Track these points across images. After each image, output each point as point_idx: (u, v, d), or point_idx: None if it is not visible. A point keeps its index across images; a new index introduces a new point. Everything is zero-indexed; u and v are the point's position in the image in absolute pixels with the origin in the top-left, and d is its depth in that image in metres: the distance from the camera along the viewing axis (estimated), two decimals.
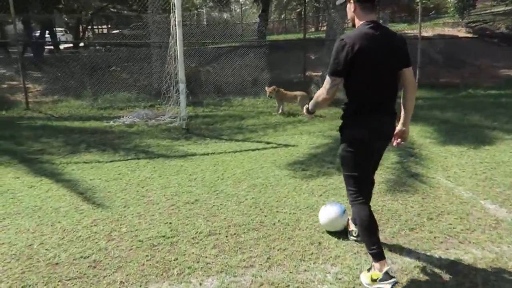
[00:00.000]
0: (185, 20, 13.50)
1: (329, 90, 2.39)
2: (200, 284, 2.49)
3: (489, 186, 3.98)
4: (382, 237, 3.01)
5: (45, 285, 2.49)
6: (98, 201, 3.76)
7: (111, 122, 7.19)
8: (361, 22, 2.41)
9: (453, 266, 2.66)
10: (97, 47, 16.14)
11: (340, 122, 2.56)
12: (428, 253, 2.80)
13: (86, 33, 20.49)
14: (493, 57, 12.84)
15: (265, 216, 3.40)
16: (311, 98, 2.73)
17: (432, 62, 12.05)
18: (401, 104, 2.56)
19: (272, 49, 11.68)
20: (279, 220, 3.31)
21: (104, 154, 5.35)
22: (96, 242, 2.99)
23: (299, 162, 4.85)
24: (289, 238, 3.03)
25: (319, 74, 10.03)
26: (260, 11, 16.87)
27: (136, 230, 3.18)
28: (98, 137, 6.24)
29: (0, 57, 14.63)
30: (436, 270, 2.60)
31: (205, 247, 2.91)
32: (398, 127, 2.58)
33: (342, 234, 3.05)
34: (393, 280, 2.32)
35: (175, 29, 6.48)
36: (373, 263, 2.43)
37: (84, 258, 2.78)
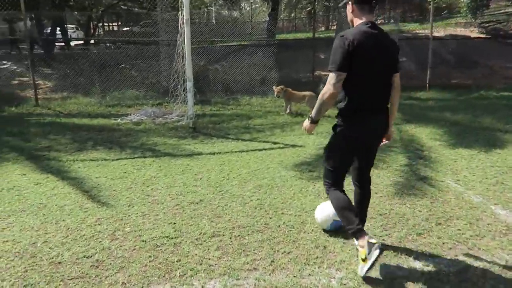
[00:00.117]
0: (194, 18, 13.52)
1: (335, 84, 2.39)
2: (202, 287, 2.46)
3: (500, 191, 3.89)
4: (388, 242, 2.96)
5: (47, 284, 2.48)
6: (103, 200, 3.75)
7: (119, 120, 7.20)
8: (360, 22, 2.50)
9: (461, 273, 2.59)
10: (107, 44, 16.23)
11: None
12: (436, 260, 2.74)
13: (97, 30, 20.59)
14: (507, 58, 12.61)
15: (270, 218, 3.35)
16: None
17: (443, 62, 11.90)
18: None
19: (281, 48, 11.62)
20: (284, 222, 3.27)
21: (111, 152, 5.35)
22: (100, 242, 2.98)
23: (306, 163, 4.79)
24: (293, 241, 2.99)
25: (328, 74, 9.94)
26: (270, 10, 16.79)
27: (140, 230, 3.16)
28: (105, 135, 6.25)
29: (12, 54, 14.79)
30: (444, 278, 2.54)
31: (208, 249, 2.88)
32: None
33: (348, 238, 2.99)
34: (376, 245, 2.42)
35: (183, 27, 6.46)
36: (356, 242, 2.53)
37: (87, 257, 2.77)
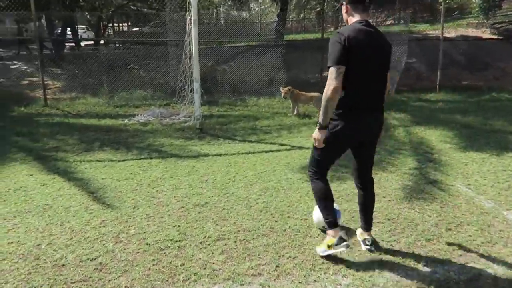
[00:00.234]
0: (203, 19, 13.51)
1: (336, 78, 2.41)
2: None
3: None
4: (397, 247, 2.90)
5: (50, 287, 2.46)
6: (108, 201, 3.73)
7: (126, 121, 7.21)
8: (354, 20, 2.56)
9: (472, 281, 2.52)
10: (117, 45, 16.32)
11: None
12: (446, 267, 2.67)
13: (107, 30, 20.72)
14: None
15: (276, 221, 3.31)
16: None
17: (454, 64, 11.73)
18: None
19: (289, 48, 11.56)
20: (290, 226, 3.22)
21: (117, 152, 5.35)
22: (104, 244, 2.96)
23: None
24: (299, 245, 2.94)
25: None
26: (279, 10, 16.73)
27: (144, 232, 3.14)
28: (112, 135, 6.26)
29: (21, 54, 14.94)
30: (454, 286, 2.47)
31: (212, 253, 2.84)
32: None
33: (356, 243, 2.94)
34: (345, 243, 2.64)
35: (191, 27, 6.44)
36: (328, 231, 2.72)
37: (90, 260, 2.75)
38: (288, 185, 4.10)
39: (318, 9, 26.66)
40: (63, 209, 3.57)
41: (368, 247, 2.86)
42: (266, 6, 27.79)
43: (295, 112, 7.76)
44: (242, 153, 5.30)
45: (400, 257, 2.77)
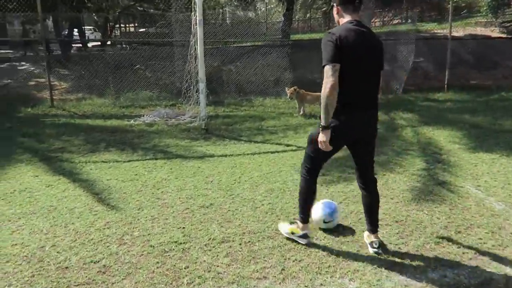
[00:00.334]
0: (209, 19, 13.50)
1: (332, 75, 2.41)
2: None
3: None
4: (405, 250, 2.84)
5: None
6: (112, 203, 3.71)
7: (132, 121, 7.20)
8: (345, 21, 2.59)
9: (483, 285, 2.46)
10: (123, 45, 16.36)
11: None
12: (456, 271, 2.60)
13: (114, 31, 20.81)
14: None
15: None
16: None
17: (462, 63, 11.59)
18: None
19: (295, 48, 11.49)
20: None
21: (123, 153, 5.34)
22: (108, 246, 2.93)
23: None
24: (305, 248, 2.88)
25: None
26: (285, 10, 16.67)
27: (149, 234, 3.11)
28: (118, 136, 6.25)
29: (27, 55, 15.05)
30: None
31: (217, 255, 2.80)
32: None
33: (363, 246, 2.88)
34: (306, 240, 2.90)
35: (196, 27, 6.41)
36: (299, 223, 2.92)
37: (94, 262, 2.72)
38: (294, 186, 4.05)
39: (324, 9, 26.53)
40: (67, 210, 3.55)
41: (375, 249, 2.80)
42: (272, 6, 27.73)
43: (301, 112, 7.70)
44: (248, 154, 5.26)
45: (409, 261, 2.72)
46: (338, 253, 2.81)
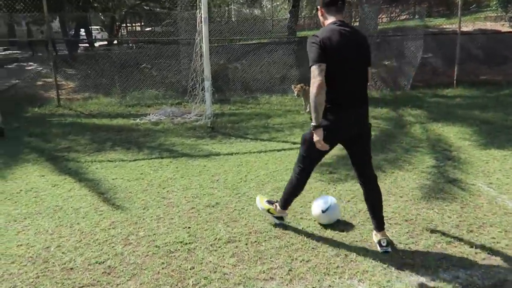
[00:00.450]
0: (214, 17, 13.44)
1: (319, 74, 2.44)
2: None
3: None
4: (415, 250, 2.77)
5: None
6: (118, 202, 3.69)
7: (138, 120, 7.18)
8: (329, 22, 2.62)
9: (497, 287, 2.39)
10: (130, 44, 16.40)
11: None
12: (468, 271, 2.53)
13: (120, 30, 20.86)
14: None
15: (288, 222, 3.20)
16: None
17: (471, 58, 11.39)
18: None
19: (301, 45, 11.40)
20: (303, 228, 3.12)
21: (129, 152, 5.31)
22: (113, 247, 2.90)
23: (326, 164, 4.60)
24: (313, 248, 2.83)
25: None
26: (291, 7, 16.57)
27: (154, 234, 3.08)
28: (124, 135, 6.23)
29: (35, 55, 15.13)
30: None
31: (223, 256, 2.76)
32: None
33: (372, 246, 2.82)
34: (279, 221, 3.12)
35: (201, 25, 6.37)
36: (278, 206, 3.05)
37: (99, 263, 2.69)
38: None
39: None
40: (73, 210, 3.53)
41: (384, 248, 2.74)
42: (278, 3, 27.60)
43: (308, 109, 7.62)
44: (254, 152, 5.21)
45: (419, 261, 2.65)
46: (347, 253, 2.75)
